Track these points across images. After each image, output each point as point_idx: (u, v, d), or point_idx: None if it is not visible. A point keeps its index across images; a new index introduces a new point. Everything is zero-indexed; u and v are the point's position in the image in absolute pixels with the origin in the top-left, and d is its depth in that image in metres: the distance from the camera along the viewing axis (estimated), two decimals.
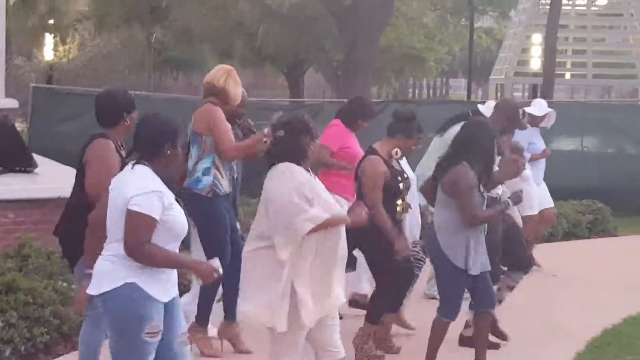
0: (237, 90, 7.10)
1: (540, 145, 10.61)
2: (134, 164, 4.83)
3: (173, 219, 4.77)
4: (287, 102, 21.34)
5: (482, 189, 6.55)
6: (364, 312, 7.46)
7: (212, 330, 7.32)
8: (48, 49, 31.93)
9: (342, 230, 5.59)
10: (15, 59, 32.79)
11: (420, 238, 7.88)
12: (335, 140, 8.24)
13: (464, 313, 7.23)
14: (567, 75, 32.21)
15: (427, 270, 8.96)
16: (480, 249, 6.54)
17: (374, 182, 6.96)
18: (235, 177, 7.21)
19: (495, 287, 7.09)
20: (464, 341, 7.58)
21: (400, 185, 7.08)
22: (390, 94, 37.90)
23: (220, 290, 7.17)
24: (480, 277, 6.59)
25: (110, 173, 5.31)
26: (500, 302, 7.50)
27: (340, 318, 6.51)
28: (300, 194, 5.37)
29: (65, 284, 7.62)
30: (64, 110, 16.11)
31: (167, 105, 15.48)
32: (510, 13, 35.82)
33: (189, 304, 7.07)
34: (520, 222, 8.25)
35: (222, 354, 7.17)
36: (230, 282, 6.76)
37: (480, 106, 8.67)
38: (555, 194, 11.10)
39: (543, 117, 10.39)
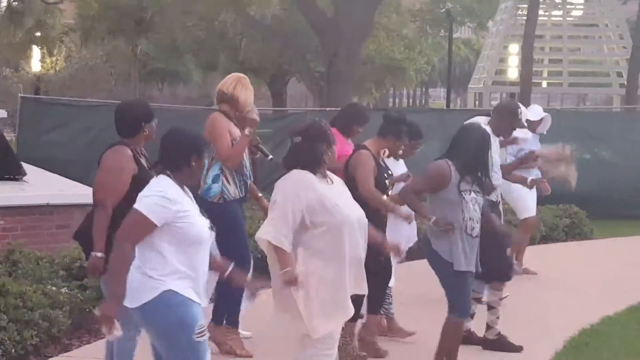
0: (247, 96, 7.15)
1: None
2: (157, 175, 4.89)
3: (188, 226, 4.73)
4: (270, 112, 21.40)
5: (458, 181, 6.37)
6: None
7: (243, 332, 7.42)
8: (35, 61, 32.17)
9: (350, 232, 5.45)
10: (3, 70, 33.11)
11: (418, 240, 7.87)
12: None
13: (483, 315, 7.30)
14: (544, 84, 32.69)
15: (409, 271, 9.25)
16: (469, 250, 6.41)
17: (367, 171, 6.97)
18: (249, 181, 7.23)
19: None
20: (487, 344, 7.52)
21: (387, 182, 7.21)
22: (371, 103, 38.19)
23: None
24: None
25: (119, 179, 5.60)
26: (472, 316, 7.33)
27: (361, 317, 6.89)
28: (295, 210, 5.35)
29: (54, 288, 7.61)
30: (51, 119, 16.14)
31: (174, 116, 15.38)
32: (488, 24, 36.26)
33: None
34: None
35: (253, 354, 7.19)
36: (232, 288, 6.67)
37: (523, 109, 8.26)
38: None
39: (539, 123, 10.41)
